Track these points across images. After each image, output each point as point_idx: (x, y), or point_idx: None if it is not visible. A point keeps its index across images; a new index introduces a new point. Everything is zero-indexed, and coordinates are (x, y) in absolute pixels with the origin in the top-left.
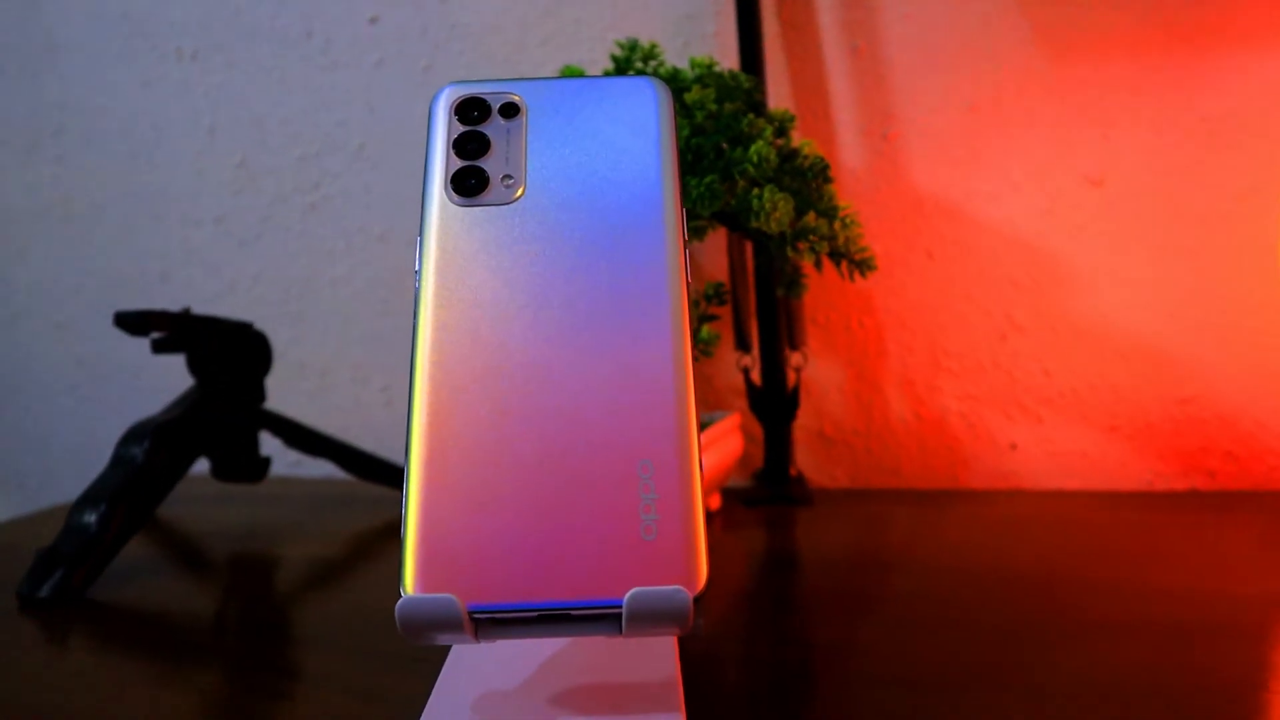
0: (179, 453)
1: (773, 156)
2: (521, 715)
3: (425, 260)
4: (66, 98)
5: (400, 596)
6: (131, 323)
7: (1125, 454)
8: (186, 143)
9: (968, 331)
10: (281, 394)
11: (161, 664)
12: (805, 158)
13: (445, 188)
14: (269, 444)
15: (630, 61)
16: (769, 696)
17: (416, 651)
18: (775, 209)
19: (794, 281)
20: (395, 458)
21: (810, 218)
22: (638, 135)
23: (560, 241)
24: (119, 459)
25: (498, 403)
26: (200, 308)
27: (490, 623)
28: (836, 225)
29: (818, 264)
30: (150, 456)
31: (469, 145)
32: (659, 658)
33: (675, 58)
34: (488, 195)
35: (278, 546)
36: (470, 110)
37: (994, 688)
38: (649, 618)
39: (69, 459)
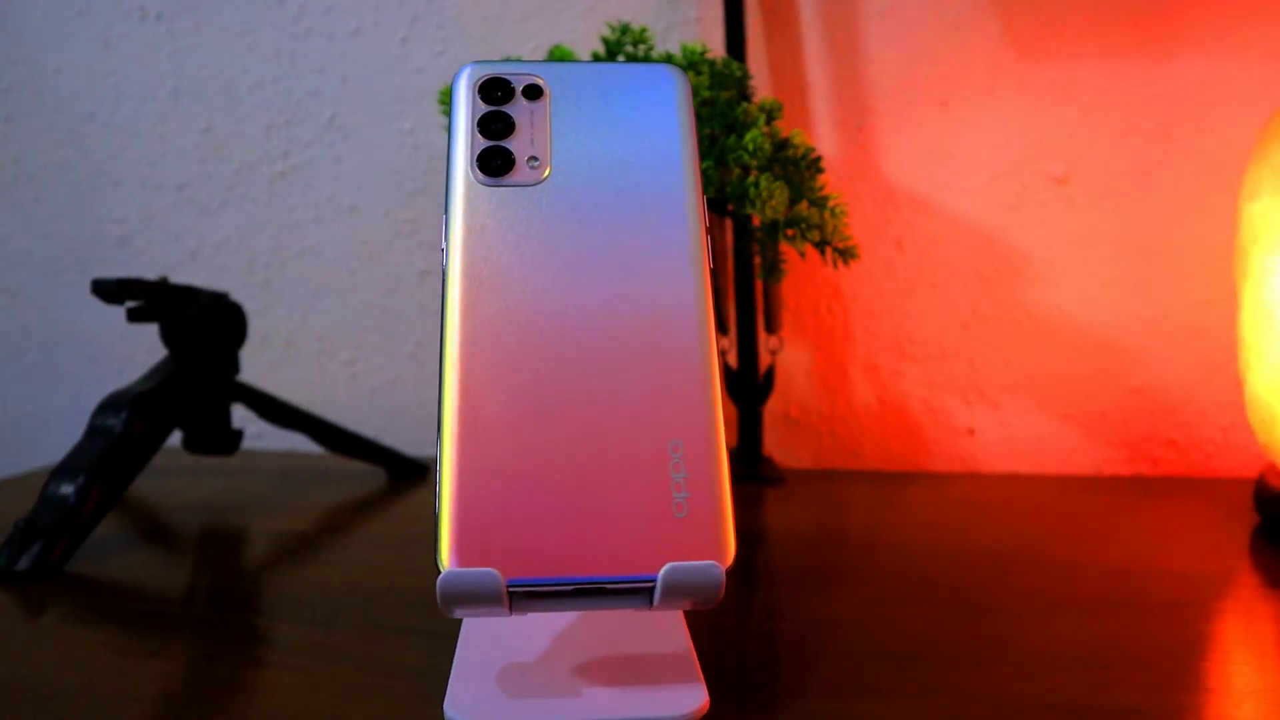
0: (156, 424)
1: (767, 145)
2: (548, 687)
3: (452, 237)
4: (18, 54)
5: (439, 570)
6: (108, 291)
7: (1078, 440)
8: (149, 106)
9: (933, 320)
10: (244, 364)
11: (147, 637)
12: (796, 147)
13: (471, 166)
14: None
15: (620, 44)
16: (770, 668)
17: (410, 623)
18: (771, 196)
19: (774, 267)
20: (359, 430)
21: (803, 206)
22: (659, 122)
23: (587, 224)
24: (96, 429)
25: (530, 380)
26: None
27: (525, 595)
28: (826, 214)
29: (802, 253)
30: (128, 427)
31: (494, 125)
32: (668, 630)
33: (658, 41)
34: (514, 176)
35: (254, 520)
36: (494, 90)
37: (982, 660)
38: (683, 591)
39: (14, 428)
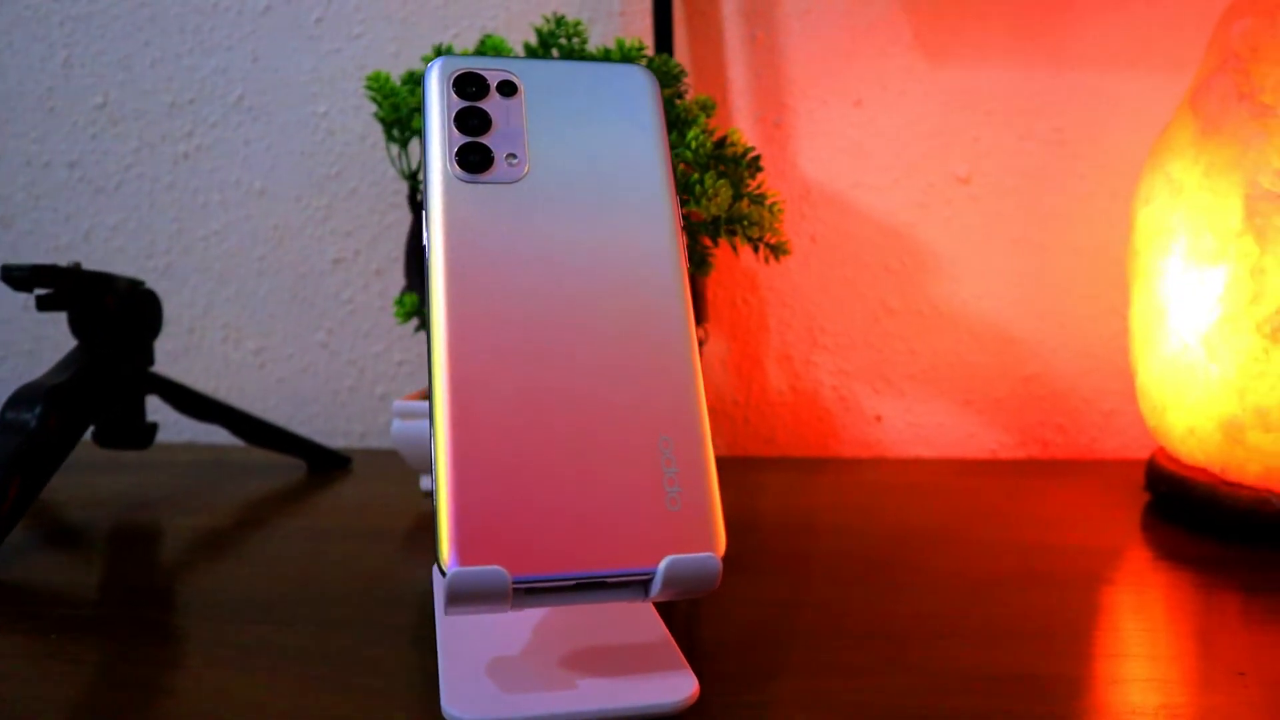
0: (72, 418)
1: (709, 144)
2: (540, 680)
3: (434, 235)
4: None
5: (441, 569)
6: (19, 278)
7: (976, 426)
8: (38, 77)
9: (844, 312)
10: None
11: (66, 642)
12: (735, 145)
13: (450, 162)
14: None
15: (554, 36)
16: (742, 652)
17: (345, 617)
18: (717, 194)
19: (703, 260)
20: (267, 420)
21: (744, 204)
22: (633, 121)
23: (568, 222)
24: (8, 425)
25: (520, 378)
26: (49, 258)
27: (526, 592)
28: (765, 212)
29: (735, 248)
30: (43, 422)
31: (471, 121)
32: (643, 620)
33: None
34: (493, 172)
35: (171, 516)
36: (468, 85)
37: (934, 635)
38: (682, 582)
39: None
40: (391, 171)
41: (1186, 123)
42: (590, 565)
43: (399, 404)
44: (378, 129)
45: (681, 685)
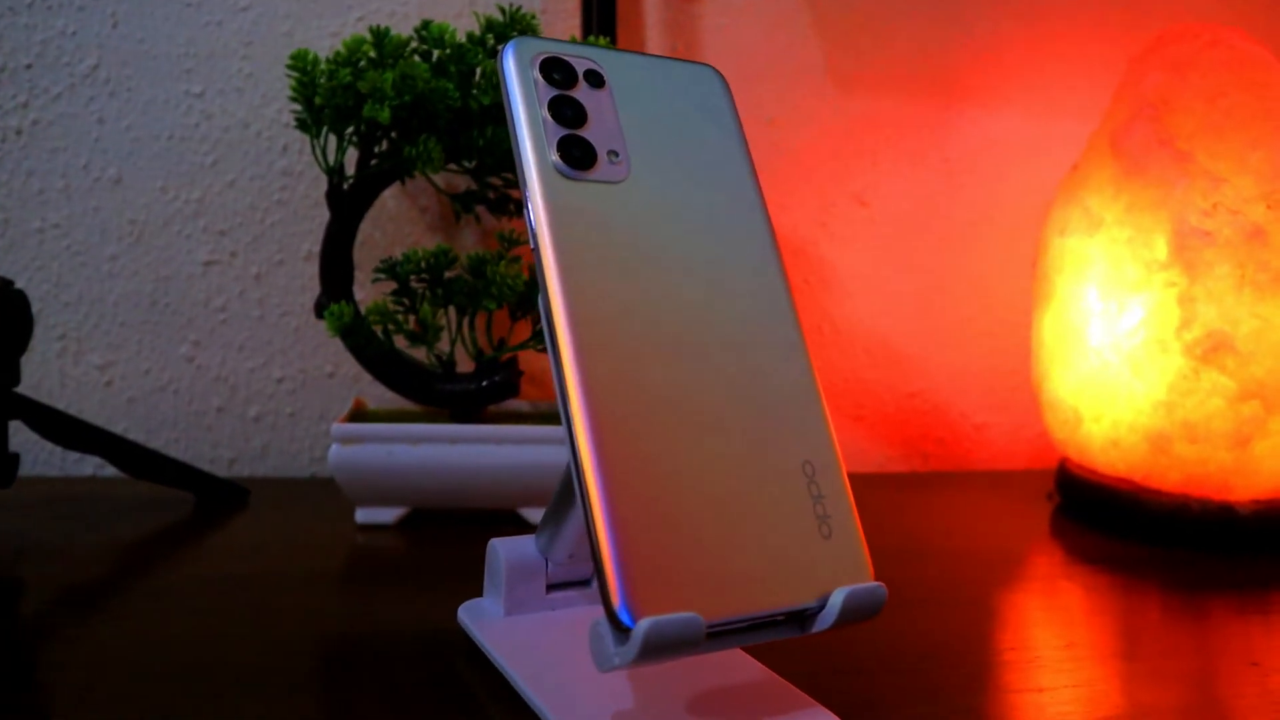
0: None
1: None
2: None
3: (545, 240)
4: None
5: (617, 622)
6: None
7: (866, 440)
8: None
9: None
10: None
11: None
12: None
13: (552, 153)
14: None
15: (508, 30)
16: (831, 680)
17: (257, 682)
18: None
19: None
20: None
21: None
22: (716, 123)
23: (676, 230)
24: None
25: (658, 402)
26: None
27: (713, 636)
28: None
29: None
30: None
31: (566, 111)
32: (734, 660)
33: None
34: (597, 170)
35: (33, 567)
36: (553, 72)
37: (1002, 652)
38: (857, 613)
39: None
40: (279, 164)
41: (1105, 162)
42: (770, 603)
43: (338, 427)
44: (264, 115)
45: None
